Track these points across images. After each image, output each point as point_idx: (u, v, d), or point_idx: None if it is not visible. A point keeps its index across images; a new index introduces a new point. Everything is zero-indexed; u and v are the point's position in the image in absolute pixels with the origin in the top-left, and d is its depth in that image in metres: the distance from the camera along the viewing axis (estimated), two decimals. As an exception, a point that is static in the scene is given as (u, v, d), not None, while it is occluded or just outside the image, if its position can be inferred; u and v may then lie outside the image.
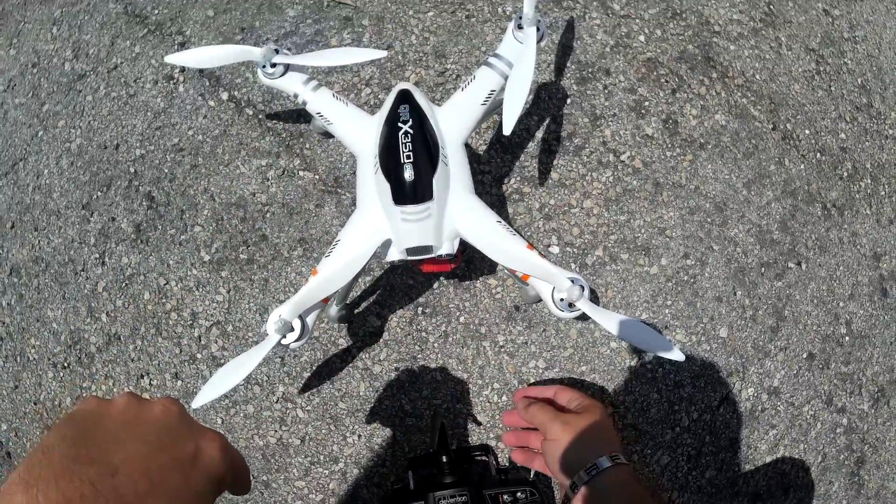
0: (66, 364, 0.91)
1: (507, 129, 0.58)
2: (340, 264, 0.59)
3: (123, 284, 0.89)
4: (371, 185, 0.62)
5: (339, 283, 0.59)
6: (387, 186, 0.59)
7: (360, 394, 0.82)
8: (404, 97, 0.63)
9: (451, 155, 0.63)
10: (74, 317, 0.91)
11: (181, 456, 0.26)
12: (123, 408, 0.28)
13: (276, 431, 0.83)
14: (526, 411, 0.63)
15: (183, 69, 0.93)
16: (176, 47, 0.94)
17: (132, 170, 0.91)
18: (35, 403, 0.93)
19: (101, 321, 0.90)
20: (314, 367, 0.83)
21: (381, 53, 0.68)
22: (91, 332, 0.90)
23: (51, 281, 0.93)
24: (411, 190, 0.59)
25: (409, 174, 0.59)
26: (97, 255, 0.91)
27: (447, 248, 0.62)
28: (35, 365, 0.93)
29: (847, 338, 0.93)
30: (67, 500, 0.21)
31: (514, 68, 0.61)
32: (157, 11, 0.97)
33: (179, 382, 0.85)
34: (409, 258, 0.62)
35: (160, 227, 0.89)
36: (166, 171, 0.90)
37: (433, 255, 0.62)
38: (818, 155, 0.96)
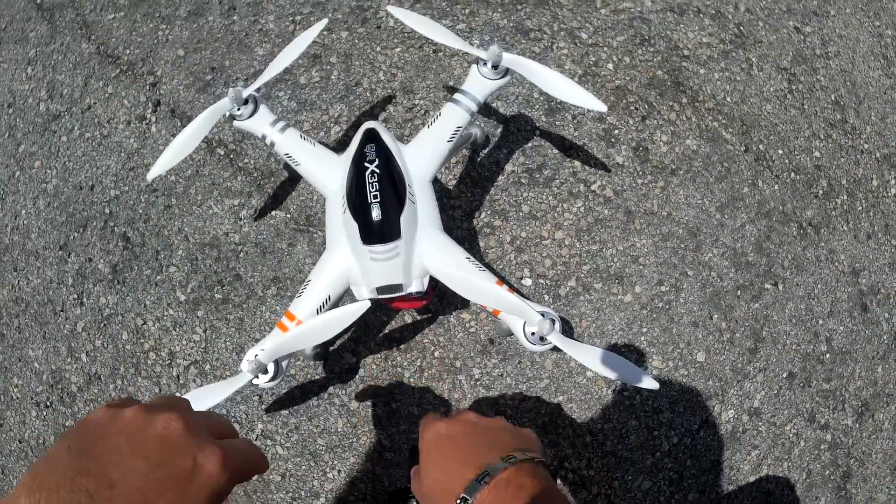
0: (48, 403, 0.92)
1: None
2: (320, 322, 0.59)
3: (102, 325, 0.90)
4: (339, 224, 0.62)
5: (320, 339, 0.59)
6: (354, 226, 0.60)
7: (339, 430, 0.83)
8: (371, 136, 0.63)
9: (418, 192, 0.63)
10: (55, 356, 0.92)
11: (178, 472, 0.27)
12: (129, 421, 0.29)
13: (256, 469, 0.84)
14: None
15: (156, 109, 0.94)
16: (147, 87, 0.95)
17: (107, 210, 0.92)
18: (20, 441, 0.94)
19: (82, 361, 0.90)
20: (292, 405, 0.83)
21: (322, 24, 0.69)
22: (72, 372, 0.91)
23: (31, 321, 0.94)
24: (379, 229, 0.59)
25: (376, 213, 0.59)
26: (75, 296, 0.92)
27: (417, 285, 0.63)
28: (18, 404, 0.94)
29: (828, 355, 0.94)
30: None
31: (531, 77, 0.65)
32: (128, 51, 0.98)
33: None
34: (379, 297, 0.62)
35: (136, 268, 0.89)
36: (140, 211, 0.91)
37: (403, 294, 0.62)
38: (792, 174, 0.97)
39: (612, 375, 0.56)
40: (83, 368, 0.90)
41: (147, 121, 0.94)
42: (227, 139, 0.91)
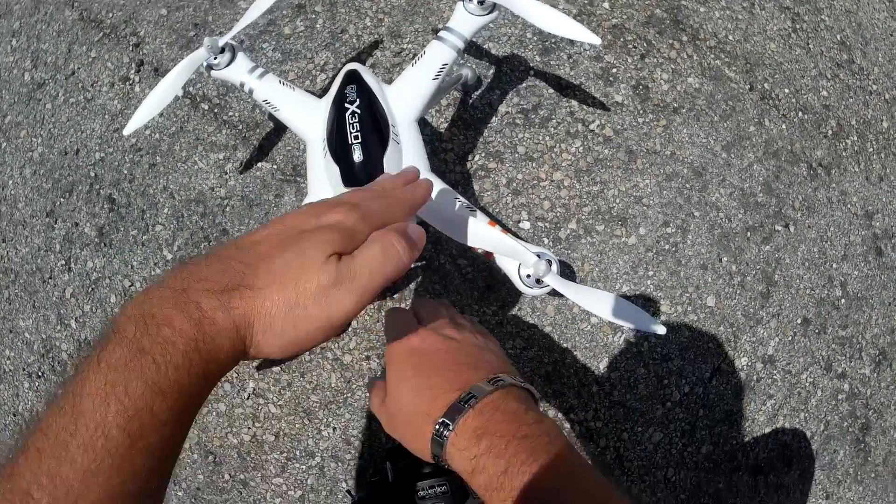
0: (40, 373, 0.88)
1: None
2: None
3: (90, 289, 0.86)
4: (321, 170, 0.58)
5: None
6: (336, 169, 0.56)
7: (332, 385, 0.78)
8: (352, 78, 0.59)
9: (403, 133, 0.59)
10: (45, 325, 0.88)
11: (300, 228, 0.28)
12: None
13: (249, 428, 0.79)
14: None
15: (139, 69, 0.90)
16: (130, 49, 0.91)
17: (92, 173, 0.89)
18: (14, 415, 0.90)
19: (71, 328, 0.87)
20: (283, 361, 0.79)
21: None
22: (62, 340, 0.87)
23: (21, 291, 0.90)
24: (361, 171, 0.55)
25: (357, 155, 0.55)
26: (63, 262, 0.88)
27: None
28: (11, 376, 0.90)
29: (843, 300, 0.88)
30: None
31: (519, 11, 0.60)
32: (111, 15, 0.95)
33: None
34: None
35: (122, 229, 0.85)
36: (125, 172, 0.87)
37: None
38: (800, 114, 0.91)
39: (615, 319, 0.52)
40: (73, 335, 0.86)
41: (130, 81, 0.90)
42: (211, 93, 0.87)
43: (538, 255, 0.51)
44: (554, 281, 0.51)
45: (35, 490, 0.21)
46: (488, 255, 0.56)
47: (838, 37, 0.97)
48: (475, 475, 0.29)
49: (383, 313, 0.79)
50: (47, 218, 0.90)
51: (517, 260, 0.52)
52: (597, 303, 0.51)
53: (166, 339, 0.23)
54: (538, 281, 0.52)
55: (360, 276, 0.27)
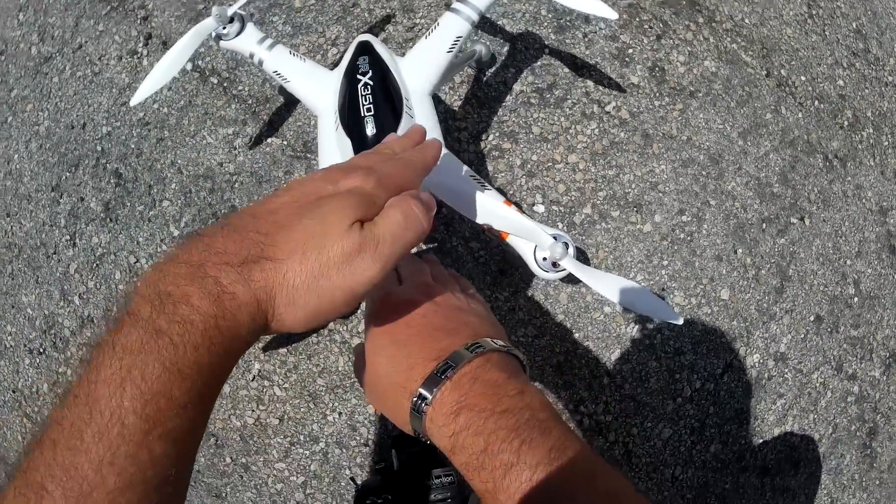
0: (41, 350, 0.83)
1: None
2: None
3: (94, 265, 0.81)
4: (332, 143, 0.54)
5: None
6: (348, 143, 0.51)
7: (339, 369, 0.73)
8: (364, 49, 0.55)
9: (416, 106, 0.55)
10: (48, 301, 0.83)
11: (317, 193, 0.26)
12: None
13: (253, 411, 0.74)
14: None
15: (147, 42, 0.85)
16: (139, 21, 0.86)
17: (99, 148, 0.84)
18: (14, 391, 0.85)
19: (74, 304, 0.82)
20: (290, 343, 0.74)
21: None
22: (65, 316, 0.82)
23: (24, 266, 0.85)
24: (374, 144, 0.50)
25: (370, 128, 0.51)
26: (68, 237, 0.83)
27: None
28: (12, 352, 0.85)
29: (856, 299, 0.83)
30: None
31: None
32: (121, -13, 0.90)
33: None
34: None
35: (129, 204, 0.81)
36: (133, 146, 0.82)
37: None
38: (816, 103, 0.86)
39: (633, 307, 0.47)
40: (76, 311, 0.82)
41: (138, 55, 0.85)
42: (221, 67, 0.82)
43: (555, 238, 0.47)
44: (570, 264, 0.46)
45: (49, 483, 0.19)
46: (503, 236, 0.52)
47: (854, 25, 0.92)
48: (455, 453, 0.25)
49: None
50: (52, 192, 0.85)
51: (533, 242, 0.48)
52: (614, 289, 0.46)
53: (184, 317, 0.21)
54: (554, 264, 0.48)
55: (383, 242, 0.25)
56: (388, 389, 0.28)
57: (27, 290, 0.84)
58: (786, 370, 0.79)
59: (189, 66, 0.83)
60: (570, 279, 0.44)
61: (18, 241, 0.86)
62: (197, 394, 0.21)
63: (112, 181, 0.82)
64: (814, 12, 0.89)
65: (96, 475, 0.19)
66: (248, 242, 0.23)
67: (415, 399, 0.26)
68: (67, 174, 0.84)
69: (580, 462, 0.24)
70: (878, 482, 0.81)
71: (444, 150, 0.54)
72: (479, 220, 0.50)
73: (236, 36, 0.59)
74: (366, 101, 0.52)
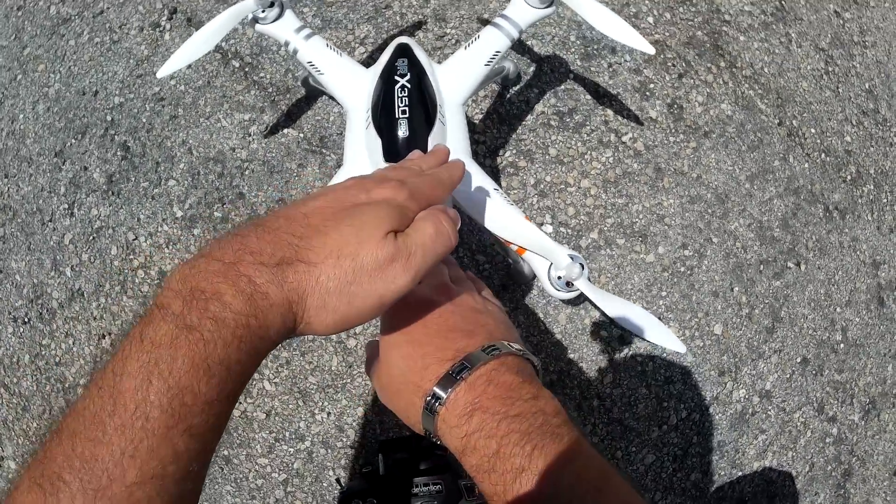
0: (26, 319, 0.81)
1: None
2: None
3: (91, 238, 0.79)
4: (360, 141, 0.53)
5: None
6: (378, 143, 0.51)
7: (333, 368, 0.72)
8: (403, 51, 0.55)
9: (449, 115, 0.55)
10: (38, 269, 0.81)
11: (351, 203, 0.26)
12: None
13: (240, 403, 0.73)
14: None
15: (171, 16, 0.84)
16: (166, -7, 0.85)
17: (109, 118, 0.82)
18: (-9, 360, 0.82)
19: (66, 275, 0.80)
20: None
21: None
22: (54, 287, 0.80)
23: (17, 231, 0.83)
24: (405, 147, 0.50)
25: (403, 131, 0.51)
26: (66, 206, 0.81)
27: None
28: (-6, 319, 0.83)
29: (842, 345, 0.85)
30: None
31: (577, 8, 0.58)
32: (149, -42, 0.88)
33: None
34: None
35: (133, 179, 0.79)
36: (144, 120, 0.80)
37: None
38: (823, 155, 0.88)
39: (638, 332, 0.48)
40: (66, 283, 0.79)
41: (161, 28, 0.83)
42: (244, 51, 0.81)
43: (571, 258, 0.47)
44: (584, 285, 0.47)
45: (67, 473, 0.19)
46: (520, 251, 0.52)
47: (867, 85, 0.95)
48: (466, 455, 0.25)
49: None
50: (55, 158, 0.83)
51: (549, 260, 0.48)
52: (623, 313, 0.47)
53: (215, 314, 0.21)
54: (568, 284, 0.48)
55: (415, 254, 0.25)
56: (401, 387, 0.28)
57: (17, 256, 0.82)
58: (769, 407, 0.81)
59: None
60: (572, 301, 0.44)
61: (14, 204, 0.84)
62: (223, 391, 0.21)
63: (119, 153, 0.80)
64: (830, 69, 0.91)
65: (116, 468, 0.19)
66: (282, 244, 0.23)
67: (428, 398, 0.26)
68: (73, 141, 0.82)
69: (591, 471, 0.24)
70: (848, 524, 0.83)
71: (474, 165, 0.54)
72: (499, 233, 0.50)
73: (274, 21, 0.59)
74: (402, 102, 0.52)
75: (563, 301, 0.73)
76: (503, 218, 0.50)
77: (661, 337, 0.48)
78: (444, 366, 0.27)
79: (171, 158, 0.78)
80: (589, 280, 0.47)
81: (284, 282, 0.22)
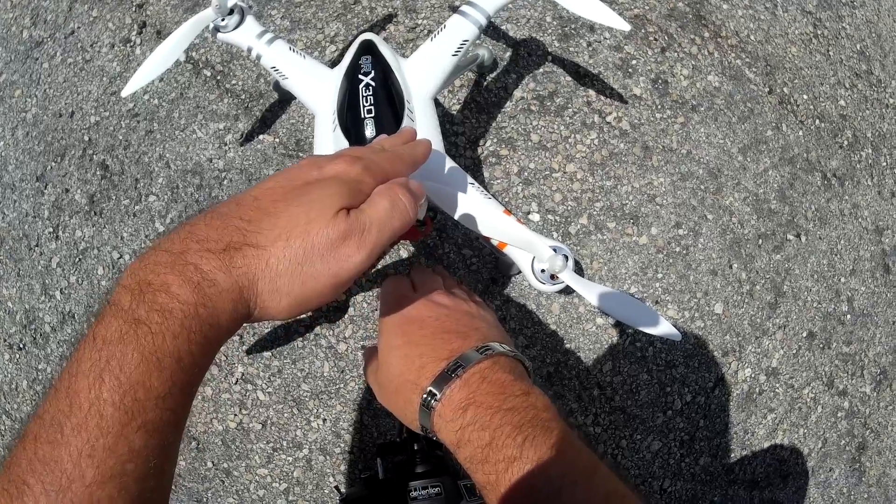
0: (21, 345, 0.79)
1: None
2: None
3: (77, 259, 0.77)
4: (329, 144, 0.51)
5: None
6: (345, 144, 0.48)
7: (325, 374, 0.70)
8: (367, 48, 0.52)
9: (417, 109, 0.52)
10: (29, 295, 0.79)
11: (302, 182, 0.25)
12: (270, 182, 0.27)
13: (235, 415, 0.71)
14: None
15: (141, 30, 0.81)
16: (133, 9, 0.82)
17: (86, 138, 0.80)
18: (-8, 387, 0.81)
19: (56, 299, 0.78)
20: (275, 346, 0.71)
21: None
22: (45, 311, 0.78)
23: (5, 257, 0.81)
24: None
25: (370, 131, 0.48)
26: (51, 230, 0.79)
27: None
28: (-9, 347, 0.81)
29: (849, 316, 0.81)
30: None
31: None
32: (116, -27, 0.85)
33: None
34: None
35: (114, 198, 0.77)
36: (121, 137, 0.78)
37: None
38: (817, 121, 0.84)
39: (631, 323, 0.44)
40: (57, 307, 0.78)
41: (131, 43, 0.81)
42: (215, 60, 0.78)
43: (554, 250, 0.44)
44: (569, 277, 0.43)
45: (30, 477, 0.19)
46: (500, 245, 0.49)
47: (858, 46, 0.90)
48: (461, 447, 0.26)
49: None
50: (37, 182, 0.81)
51: (531, 253, 0.45)
52: (613, 304, 0.44)
53: (163, 306, 0.20)
54: (552, 277, 0.45)
55: (369, 230, 0.24)
56: (399, 386, 0.29)
57: (8, 283, 0.81)
58: (777, 385, 0.77)
59: (182, 58, 0.79)
60: (564, 289, 0.41)
61: (1, 231, 0.82)
62: (176, 384, 0.21)
63: (98, 173, 0.78)
64: (819, 32, 0.87)
65: (75, 468, 0.19)
66: (230, 229, 0.22)
67: (425, 395, 0.27)
68: (53, 164, 0.80)
69: (580, 461, 0.25)
70: (866, 496, 0.79)
71: (446, 157, 0.51)
72: (477, 229, 0.47)
73: (235, 28, 0.56)
74: (366, 102, 0.49)
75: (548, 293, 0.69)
76: (480, 213, 0.46)
77: (654, 325, 0.45)
78: (440, 364, 0.27)
79: (150, 174, 0.76)
80: (575, 271, 0.44)
81: (233, 267, 0.22)
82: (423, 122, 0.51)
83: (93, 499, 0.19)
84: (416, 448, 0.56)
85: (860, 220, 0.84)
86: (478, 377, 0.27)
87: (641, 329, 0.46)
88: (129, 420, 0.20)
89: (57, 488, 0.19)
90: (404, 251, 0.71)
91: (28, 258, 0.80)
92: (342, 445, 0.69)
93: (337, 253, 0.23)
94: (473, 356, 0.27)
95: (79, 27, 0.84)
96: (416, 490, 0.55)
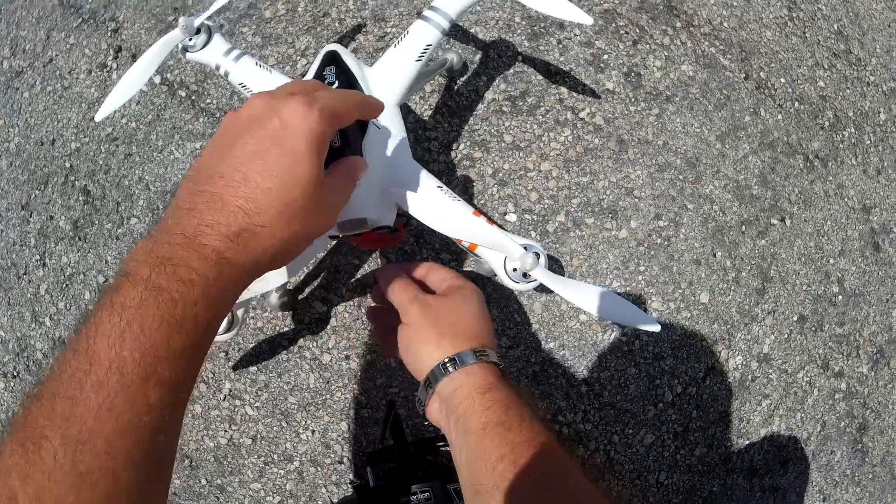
0: (15, 373, 0.80)
1: None
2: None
3: (64, 285, 0.78)
4: None
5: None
6: None
7: (311, 386, 0.70)
8: (331, 59, 0.52)
9: (383, 117, 0.51)
10: (20, 323, 0.80)
11: (270, 135, 0.26)
12: (223, 127, 0.29)
13: (226, 431, 0.71)
14: (386, 288, 0.43)
15: (117, 55, 0.81)
16: (109, 34, 0.83)
17: (68, 164, 0.80)
18: (-10, 416, 0.82)
19: (46, 325, 0.78)
20: (260, 360, 0.71)
21: None
22: (36, 338, 0.79)
23: (-4, 287, 0.82)
24: (338, 157, 0.47)
25: (335, 141, 0.47)
26: (38, 257, 0.79)
27: (384, 219, 0.50)
28: (-13, 376, 0.82)
29: (840, 297, 0.79)
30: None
31: None
32: (90, 0, 0.86)
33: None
34: (343, 234, 0.50)
35: (97, 222, 0.77)
36: (101, 162, 0.78)
37: (369, 229, 0.50)
38: (796, 104, 0.82)
39: (608, 317, 0.44)
40: (47, 333, 0.78)
41: (108, 68, 0.81)
42: (189, 80, 0.79)
43: (525, 248, 0.43)
44: (542, 275, 0.43)
45: (49, 430, 0.20)
46: (471, 247, 0.48)
47: (835, 26, 0.89)
48: (451, 402, 0.32)
49: (363, 311, 0.71)
50: (22, 211, 0.82)
51: (503, 253, 0.45)
52: (587, 299, 0.43)
53: (182, 277, 0.23)
54: (525, 275, 0.45)
55: (338, 202, 0.31)
56: (436, 340, 0.34)
57: (0, 312, 0.81)
58: (770, 371, 0.76)
59: (157, 80, 0.79)
60: (545, 287, 0.41)
61: (-10, 260, 0.83)
62: (193, 345, 0.23)
63: (80, 199, 0.79)
64: (794, 14, 0.85)
65: (95, 421, 0.20)
66: (236, 213, 0.24)
67: (453, 357, 0.33)
68: (37, 192, 0.81)
69: (543, 434, 0.30)
70: (870, 476, 0.78)
71: (415, 165, 0.51)
72: (447, 232, 0.47)
73: (203, 48, 0.56)
74: None
75: (527, 292, 0.69)
76: (448, 216, 0.46)
77: (632, 318, 0.45)
78: (472, 344, 0.34)
79: (131, 197, 0.76)
80: (555, 269, 0.43)
81: (246, 248, 0.24)
82: (389, 129, 0.51)
83: (110, 449, 0.20)
84: (403, 454, 0.56)
85: (846, 199, 0.82)
86: (495, 374, 0.33)
87: (620, 322, 0.45)
88: (148, 376, 0.21)
89: (76, 440, 0.19)
90: (383, 259, 0.71)
91: (17, 287, 0.80)
92: (332, 456, 0.69)
93: (317, 223, 0.28)
94: (469, 359, 0.33)
95: (56, 55, 0.85)
96: (407, 496, 0.54)
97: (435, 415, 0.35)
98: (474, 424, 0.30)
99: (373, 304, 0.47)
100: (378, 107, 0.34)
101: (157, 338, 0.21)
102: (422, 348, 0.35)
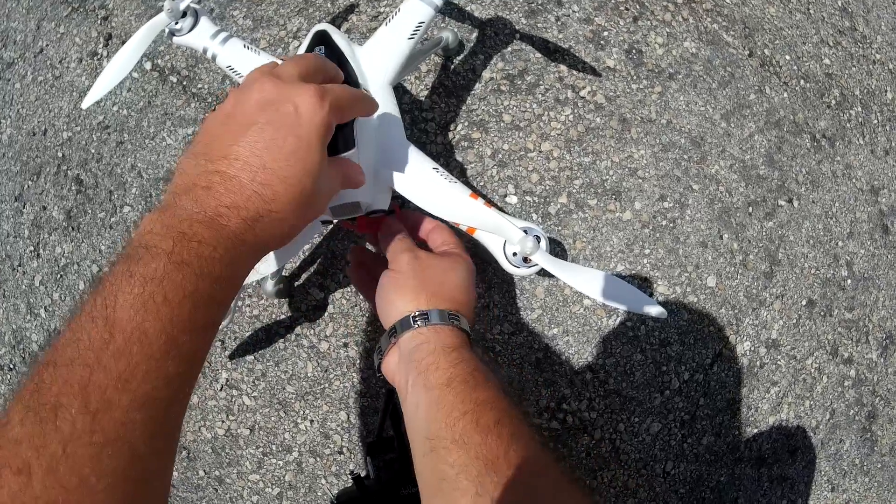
0: (11, 366, 0.78)
1: None
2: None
3: (59, 276, 0.76)
4: None
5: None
6: None
7: (308, 375, 0.67)
8: (321, 39, 0.50)
9: (376, 97, 0.49)
10: (15, 315, 0.78)
11: (286, 121, 0.27)
12: (228, 105, 0.29)
13: (223, 422, 0.69)
14: (383, 236, 0.43)
15: (107, 42, 0.80)
16: (99, 22, 0.81)
17: (60, 154, 0.78)
18: (-13, 410, 0.80)
19: (41, 317, 0.77)
20: (257, 349, 0.69)
21: None
22: (32, 330, 0.77)
23: (-9, 280, 0.80)
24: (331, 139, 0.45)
25: None
26: (32, 248, 0.78)
27: (378, 203, 0.48)
28: (-17, 370, 0.80)
29: (849, 281, 0.77)
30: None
31: None
32: (81, -12, 0.84)
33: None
34: (336, 218, 0.48)
35: (90, 212, 0.75)
36: (93, 151, 0.77)
37: (363, 213, 0.48)
38: (802, 82, 0.80)
39: (610, 302, 0.42)
40: (43, 325, 0.76)
41: (98, 56, 0.79)
42: (180, 65, 0.76)
43: (525, 231, 0.41)
44: (543, 259, 0.41)
45: (65, 398, 0.19)
46: (469, 231, 0.46)
47: (840, 2, 0.86)
48: (414, 354, 0.31)
49: (360, 297, 0.69)
50: (16, 202, 0.80)
51: (502, 237, 0.43)
52: (590, 283, 0.41)
53: (203, 255, 0.23)
54: (525, 260, 0.42)
55: (332, 190, 0.31)
56: (410, 292, 0.33)
57: (-5, 304, 0.79)
58: (779, 357, 0.73)
59: (148, 66, 0.78)
60: (547, 272, 0.39)
61: (-16, 253, 0.81)
62: (210, 319, 0.23)
63: (73, 188, 0.77)
64: (796, -12, 0.83)
65: (115, 391, 0.19)
66: (254, 198, 0.25)
67: (420, 312, 0.32)
68: (30, 183, 0.79)
69: (498, 398, 0.29)
70: (879, 465, 0.75)
71: (409, 146, 0.49)
72: (443, 216, 0.45)
73: (189, 31, 0.54)
74: None
75: (528, 276, 0.66)
76: (445, 199, 0.44)
77: (635, 303, 0.42)
78: (449, 307, 0.33)
79: (123, 185, 0.74)
80: (557, 252, 0.41)
81: (260, 232, 0.25)
82: (381, 109, 0.49)
83: (127, 420, 0.20)
84: (402, 444, 0.54)
85: (854, 180, 0.79)
86: (466, 340, 0.32)
87: (624, 307, 0.43)
88: (169, 349, 0.21)
89: (95, 409, 0.19)
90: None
91: (12, 278, 0.79)
92: (331, 446, 0.67)
93: (318, 206, 0.28)
94: (465, 324, 0.33)
95: (47, 45, 0.83)
96: (406, 488, 0.52)
97: (391, 367, 0.34)
98: (438, 379, 0.29)
99: (359, 247, 0.46)
100: (375, 106, 0.35)
101: (180, 311, 0.22)
102: (397, 296, 0.34)
